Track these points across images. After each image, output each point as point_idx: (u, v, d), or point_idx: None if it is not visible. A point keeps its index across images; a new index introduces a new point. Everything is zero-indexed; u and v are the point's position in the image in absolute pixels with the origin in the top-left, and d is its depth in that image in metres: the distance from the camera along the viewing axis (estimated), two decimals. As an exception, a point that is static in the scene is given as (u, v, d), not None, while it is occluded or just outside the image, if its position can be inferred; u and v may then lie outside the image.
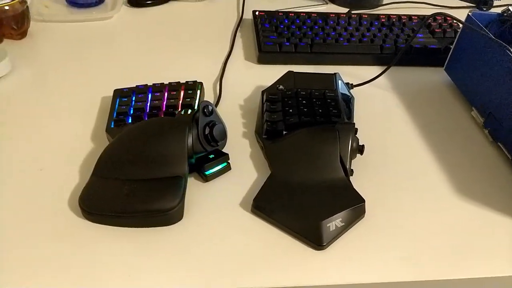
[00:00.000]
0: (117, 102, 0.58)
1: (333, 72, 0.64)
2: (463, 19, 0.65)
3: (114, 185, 0.46)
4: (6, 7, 0.71)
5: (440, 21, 0.81)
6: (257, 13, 0.81)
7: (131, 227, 0.46)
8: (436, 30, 0.79)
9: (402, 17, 0.82)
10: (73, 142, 0.55)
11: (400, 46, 0.74)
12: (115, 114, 0.56)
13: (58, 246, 0.44)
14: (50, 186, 0.49)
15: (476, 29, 0.61)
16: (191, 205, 0.48)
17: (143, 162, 0.48)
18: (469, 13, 0.64)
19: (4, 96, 0.62)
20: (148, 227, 0.46)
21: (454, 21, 0.81)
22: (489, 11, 0.91)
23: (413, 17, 0.82)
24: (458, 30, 0.67)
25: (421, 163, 0.56)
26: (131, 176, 0.47)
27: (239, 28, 0.82)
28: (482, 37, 0.61)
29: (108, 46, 0.75)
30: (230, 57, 0.74)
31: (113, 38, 0.77)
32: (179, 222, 0.46)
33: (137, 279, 0.41)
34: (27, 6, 0.75)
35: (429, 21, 0.81)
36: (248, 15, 0.86)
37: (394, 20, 0.81)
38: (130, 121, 0.55)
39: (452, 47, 0.68)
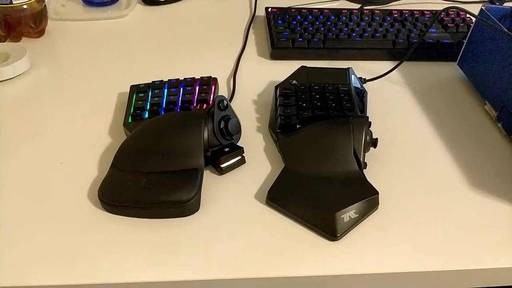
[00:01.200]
0: (134, 97, 0.60)
1: (346, 67, 0.64)
2: (476, 13, 0.65)
3: (133, 177, 0.48)
4: (25, 6, 0.72)
5: (453, 15, 0.81)
6: (269, 9, 0.82)
7: (148, 218, 0.47)
8: (449, 25, 0.78)
9: (415, 12, 0.82)
10: (92, 136, 0.57)
11: (413, 41, 0.74)
12: (132, 109, 0.58)
13: (78, 236, 0.45)
14: (70, 178, 0.51)
15: (489, 23, 0.61)
16: (207, 197, 0.49)
17: (160, 155, 0.49)
18: (483, 7, 0.64)
19: (24, 92, 0.64)
20: (165, 218, 0.47)
21: (467, 16, 0.81)
22: (503, 5, 0.91)
23: (425, 12, 0.82)
24: (471, 24, 0.67)
25: (434, 156, 0.56)
26: (149, 168, 0.48)
27: (251, 25, 0.83)
28: (495, 31, 0.61)
29: (123, 44, 0.76)
30: (243, 53, 0.75)
31: (128, 35, 0.79)
32: (195, 214, 0.47)
33: (162, 267, 0.42)
34: (45, 5, 0.77)
35: (442, 15, 0.81)
36: (260, 12, 0.87)
37: (406, 15, 0.81)
38: (146, 115, 0.56)
39: (465, 41, 0.68)
